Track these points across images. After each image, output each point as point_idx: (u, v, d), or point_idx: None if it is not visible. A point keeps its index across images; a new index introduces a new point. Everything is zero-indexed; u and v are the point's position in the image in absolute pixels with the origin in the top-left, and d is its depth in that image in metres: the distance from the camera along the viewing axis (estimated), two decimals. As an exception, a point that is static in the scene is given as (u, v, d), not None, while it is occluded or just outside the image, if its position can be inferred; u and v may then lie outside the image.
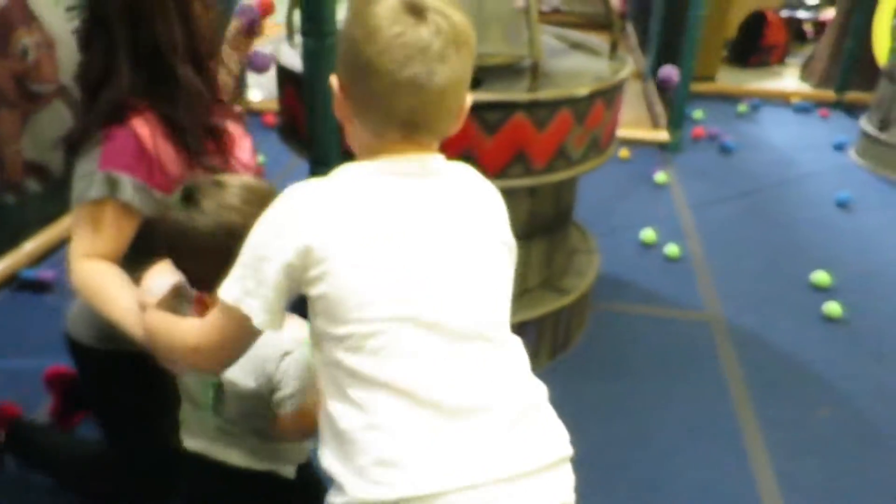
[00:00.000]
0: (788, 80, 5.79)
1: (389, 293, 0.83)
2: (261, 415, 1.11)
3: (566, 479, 0.91)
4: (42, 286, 2.57)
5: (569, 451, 0.91)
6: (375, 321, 0.83)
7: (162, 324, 1.02)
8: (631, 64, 2.19)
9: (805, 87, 5.48)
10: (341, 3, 1.79)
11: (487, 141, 1.86)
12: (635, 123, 4.48)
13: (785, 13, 6.19)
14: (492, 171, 1.89)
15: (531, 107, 1.85)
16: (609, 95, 2.03)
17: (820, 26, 6.04)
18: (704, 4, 3.81)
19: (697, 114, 4.63)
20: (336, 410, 0.85)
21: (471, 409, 0.84)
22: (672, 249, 2.96)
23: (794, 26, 6.45)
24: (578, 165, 2.03)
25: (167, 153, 1.22)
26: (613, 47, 2.25)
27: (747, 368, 2.34)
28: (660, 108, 4.53)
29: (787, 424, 2.11)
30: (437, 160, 0.92)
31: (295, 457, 1.22)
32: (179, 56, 1.22)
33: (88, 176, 1.20)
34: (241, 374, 1.08)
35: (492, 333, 0.90)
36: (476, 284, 0.90)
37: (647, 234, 3.07)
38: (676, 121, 4.09)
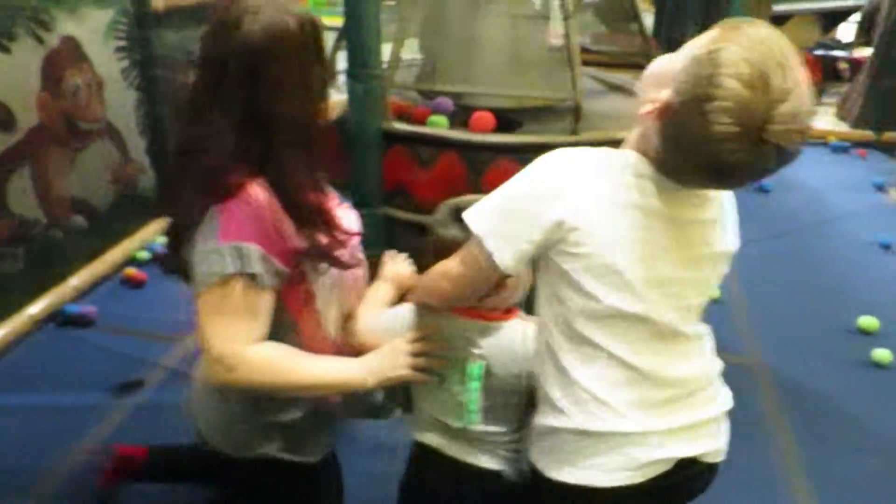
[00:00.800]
0: (825, 119, 5.74)
1: (632, 280, 0.98)
2: (510, 418, 1.25)
3: (726, 429, 1.15)
4: (85, 321, 2.61)
5: (729, 404, 1.15)
6: (610, 299, 0.98)
7: (425, 278, 1.20)
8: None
9: (842, 127, 5.43)
10: (384, 46, 1.82)
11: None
12: (669, 162, 4.48)
13: (819, 52, 6.17)
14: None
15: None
16: (650, 137, 2.03)
17: (855, 65, 6.00)
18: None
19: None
20: (561, 350, 1.04)
21: (671, 381, 1.04)
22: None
23: (829, 65, 6.42)
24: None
25: (284, 221, 1.12)
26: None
27: (792, 415, 2.28)
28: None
29: (835, 474, 2.05)
30: None
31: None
32: (292, 126, 1.12)
33: (210, 254, 1.07)
34: (504, 371, 1.21)
35: (692, 331, 1.08)
36: (699, 288, 1.07)
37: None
38: (712, 160, 4.07)
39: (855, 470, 2.07)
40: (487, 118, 1.90)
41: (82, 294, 2.77)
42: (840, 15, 7.16)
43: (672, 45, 3.84)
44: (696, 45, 0.91)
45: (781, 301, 2.96)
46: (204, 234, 1.08)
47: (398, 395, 1.69)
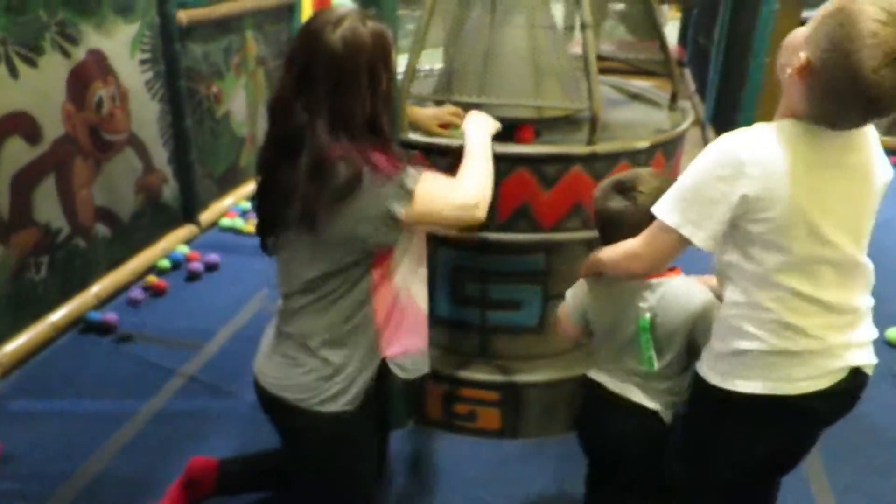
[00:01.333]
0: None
1: (819, 226, 1.17)
2: (672, 361, 1.47)
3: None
4: (107, 328, 2.65)
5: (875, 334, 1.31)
6: (802, 250, 1.18)
7: (609, 249, 1.43)
8: (691, 115, 2.15)
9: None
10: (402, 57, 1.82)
11: (545, 194, 1.85)
12: (694, 171, 4.41)
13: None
14: (548, 223, 1.88)
15: (589, 160, 1.83)
16: (669, 147, 2.00)
17: None
18: (765, 52, 3.75)
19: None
20: (755, 295, 1.23)
21: (851, 308, 1.25)
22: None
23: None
24: (637, 218, 1.99)
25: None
26: (673, 98, 2.23)
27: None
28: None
29: (864, 492, 1.99)
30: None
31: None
32: (364, 124, 1.36)
33: (389, 193, 1.35)
34: (669, 321, 1.43)
35: (865, 261, 1.25)
36: (869, 219, 1.24)
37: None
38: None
39: (884, 486, 2.01)
40: (528, 131, 1.93)
41: (104, 302, 2.81)
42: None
43: (698, 50, 3.87)
44: (821, 10, 1.09)
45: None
46: (373, 183, 1.32)
47: (411, 405, 1.73)
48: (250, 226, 3.50)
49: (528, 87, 1.99)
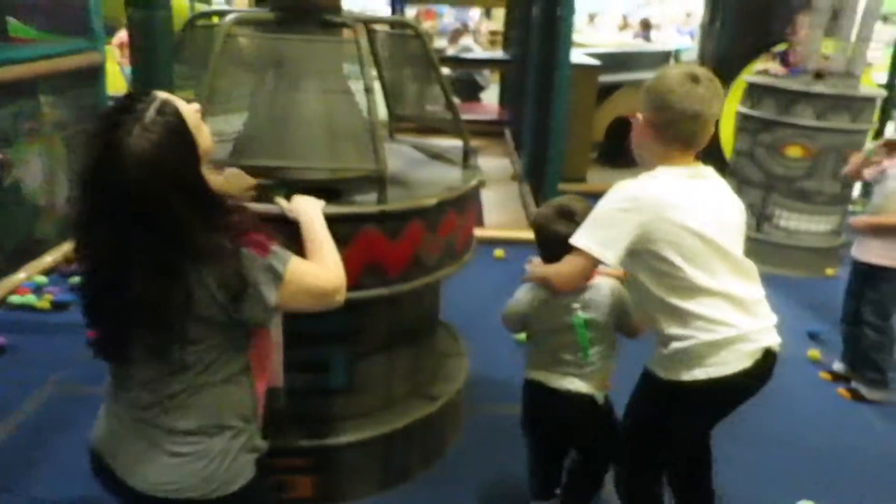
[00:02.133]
0: (654, 177, 6.23)
1: (707, 235, 1.54)
2: (608, 340, 1.87)
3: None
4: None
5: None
6: (695, 261, 1.55)
7: (550, 269, 1.74)
8: (481, 173, 2.28)
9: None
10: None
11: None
12: (513, 223, 4.66)
13: (645, 118, 6.71)
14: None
15: (381, 218, 1.88)
16: (460, 203, 2.10)
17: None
18: (565, 115, 4.07)
19: (570, 213, 4.86)
20: (673, 301, 1.58)
21: (753, 299, 1.61)
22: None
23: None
24: (435, 272, 2.06)
25: None
26: (465, 157, 2.35)
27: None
28: (535, 209, 4.74)
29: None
30: (705, 168, 1.65)
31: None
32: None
33: (264, 270, 1.27)
34: (600, 315, 1.83)
35: (748, 261, 1.62)
36: (740, 228, 1.65)
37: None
38: (548, 220, 4.27)
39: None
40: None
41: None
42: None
43: (514, 110, 4.08)
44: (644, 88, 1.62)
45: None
46: (248, 263, 1.25)
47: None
48: (45, 302, 3.24)
49: (323, 150, 2.03)
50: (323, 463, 2.07)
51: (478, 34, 13.56)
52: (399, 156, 2.46)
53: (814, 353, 3.16)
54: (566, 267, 1.65)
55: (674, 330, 1.59)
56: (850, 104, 3.80)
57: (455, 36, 8.88)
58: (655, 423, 1.72)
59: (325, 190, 2.09)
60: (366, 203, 1.94)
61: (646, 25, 12.25)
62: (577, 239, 1.60)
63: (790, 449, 2.52)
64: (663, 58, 8.02)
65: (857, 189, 3.79)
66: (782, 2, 4.98)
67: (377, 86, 2.48)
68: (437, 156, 2.53)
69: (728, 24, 5.08)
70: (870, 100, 3.90)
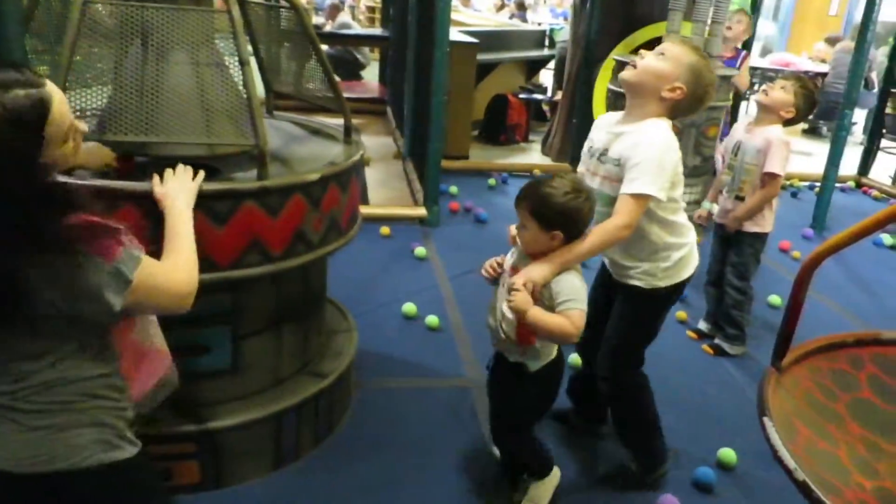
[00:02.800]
0: (533, 154, 6.42)
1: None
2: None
3: None
4: None
5: None
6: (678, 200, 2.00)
7: (598, 233, 1.87)
8: (363, 147, 2.27)
9: (546, 161, 6.11)
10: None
11: (218, 231, 1.81)
12: (398, 201, 4.68)
13: (524, 96, 6.90)
14: (226, 262, 1.84)
15: (261, 195, 1.84)
16: (343, 179, 2.09)
17: (555, 106, 6.83)
18: (443, 91, 4.11)
19: (453, 189, 4.94)
20: (671, 217, 2.00)
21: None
22: (432, 320, 3.07)
23: (534, 107, 7.22)
24: (319, 248, 2.04)
25: None
26: (347, 132, 2.33)
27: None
28: (419, 186, 4.78)
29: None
30: None
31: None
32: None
33: (111, 275, 1.20)
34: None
35: None
36: None
37: (409, 307, 3.16)
38: (432, 197, 4.32)
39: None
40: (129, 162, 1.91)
41: None
42: (540, 62, 8.11)
43: (396, 90, 4.10)
44: (681, 60, 1.93)
45: (497, 322, 3.20)
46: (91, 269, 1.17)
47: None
48: None
49: (197, 125, 1.95)
50: (209, 447, 2.02)
51: (356, 11, 13.37)
52: (279, 131, 2.41)
53: (681, 314, 3.40)
54: (628, 216, 1.86)
55: (672, 239, 2.01)
56: (707, 82, 4.06)
57: (332, 12, 8.72)
58: (651, 326, 2.16)
59: (203, 166, 2.03)
60: (245, 179, 1.89)
61: (521, 6, 12.53)
62: (645, 187, 1.84)
63: (661, 402, 2.71)
64: (539, 37, 8.24)
65: (718, 161, 4.05)
66: (646, -15, 5.24)
67: (255, 60, 2.42)
68: (317, 131, 2.50)
69: (597, 7, 5.29)
70: (725, 78, 4.19)
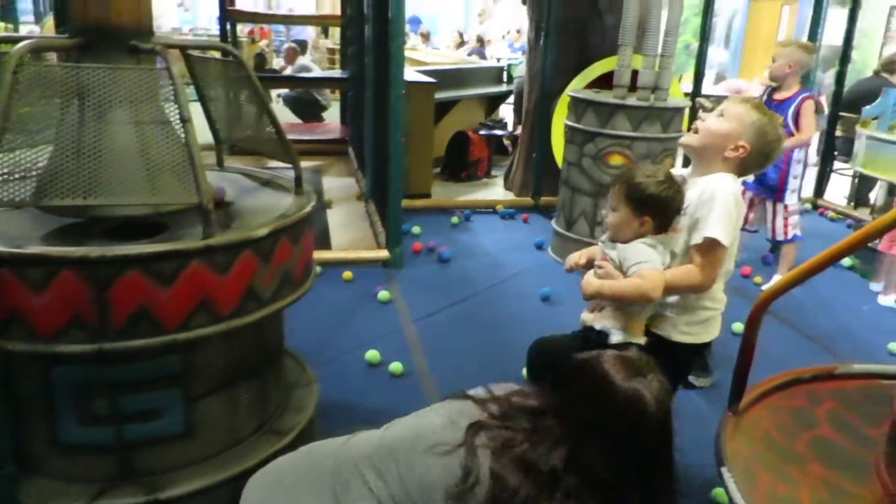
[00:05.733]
0: (495, 189, 6.45)
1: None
2: None
3: None
4: None
5: None
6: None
7: (682, 278, 1.92)
8: (314, 198, 2.24)
9: (509, 195, 6.13)
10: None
11: (164, 293, 1.76)
12: (361, 243, 4.63)
13: (483, 132, 6.95)
14: (173, 323, 1.78)
15: (207, 253, 1.79)
16: (294, 231, 2.05)
17: (516, 140, 6.89)
18: (401, 132, 4.11)
19: (416, 229, 4.92)
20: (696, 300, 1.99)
21: None
22: (396, 367, 3.02)
23: (495, 142, 7.28)
24: (272, 304, 1.99)
25: None
26: (298, 182, 2.30)
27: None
28: (381, 228, 4.75)
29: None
30: None
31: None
32: None
33: None
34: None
35: None
36: None
37: (372, 354, 3.10)
38: (395, 239, 4.29)
39: None
40: None
41: None
42: (500, 97, 8.20)
43: (356, 130, 4.07)
44: (749, 117, 2.00)
45: (462, 364, 3.16)
46: None
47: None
48: None
49: (140, 184, 1.90)
50: (164, 518, 1.93)
51: (317, 52, 13.46)
52: (229, 184, 2.37)
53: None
54: (713, 266, 1.91)
55: (705, 302, 1.98)
56: (660, 114, 4.13)
57: (291, 55, 8.74)
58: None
59: (150, 224, 1.98)
60: (192, 238, 1.84)
61: (480, 42, 12.73)
62: (718, 233, 1.87)
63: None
64: (497, 73, 8.36)
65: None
66: (597, 21, 5.35)
67: (203, 112, 2.40)
68: (268, 182, 2.46)
69: (551, 42, 5.37)
70: (678, 110, 4.27)
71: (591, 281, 1.98)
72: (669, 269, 1.94)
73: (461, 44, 13.34)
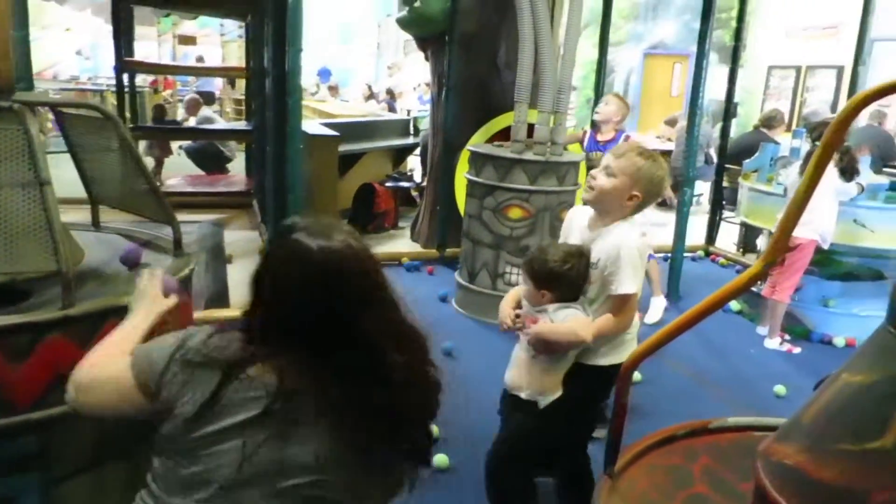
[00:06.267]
0: (402, 241, 6.44)
1: None
2: None
3: None
4: None
5: None
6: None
7: (604, 326, 2.16)
8: (193, 261, 2.15)
9: (416, 247, 6.14)
10: None
11: (17, 368, 1.62)
12: (261, 300, 4.48)
13: (389, 184, 6.97)
14: (28, 401, 1.65)
15: (66, 324, 1.67)
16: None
17: (423, 191, 6.93)
18: (300, 187, 4.04)
19: (318, 284, 4.82)
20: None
21: None
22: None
23: (402, 194, 7.30)
24: (142, 375, 1.87)
25: None
26: (177, 244, 2.20)
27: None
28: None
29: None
30: None
31: None
32: None
33: None
34: None
35: None
36: None
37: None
38: (294, 294, 4.18)
39: None
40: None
41: None
42: (407, 149, 8.28)
43: (260, 181, 3.94)
44: (634, 167, 2.15)
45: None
46: None
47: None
48: None
49: (-3, 250, 1.77)
50: None
51: (223, 103, 13.28)
52: (104, 246, 2.25)
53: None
54: (628, 314, 2.16)
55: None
56: (556, 168, 4.25)
57: (193, 107, 8.56)
58: (593, 402, 2.39)
59: (12, 291, 1.84)
60: (50, 307, 1.72)
61: (391, 94, 12.89)
62: (630, 287, 2.09)
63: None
64: (404, 125, 8.45)
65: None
66: (497, 78, 5.51)
67: (77, 170, 2.28)
68: (147, 243, 2.35)
69: (452, 97, 5.48)
70: (573, 164, 4.40)
71: (537, 328, 2.15)
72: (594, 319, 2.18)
73: (370, 96, 13.46)
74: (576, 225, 2.33)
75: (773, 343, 4.28)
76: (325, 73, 18.10)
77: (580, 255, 2.15)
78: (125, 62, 6.54)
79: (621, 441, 1.43)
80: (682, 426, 1.63)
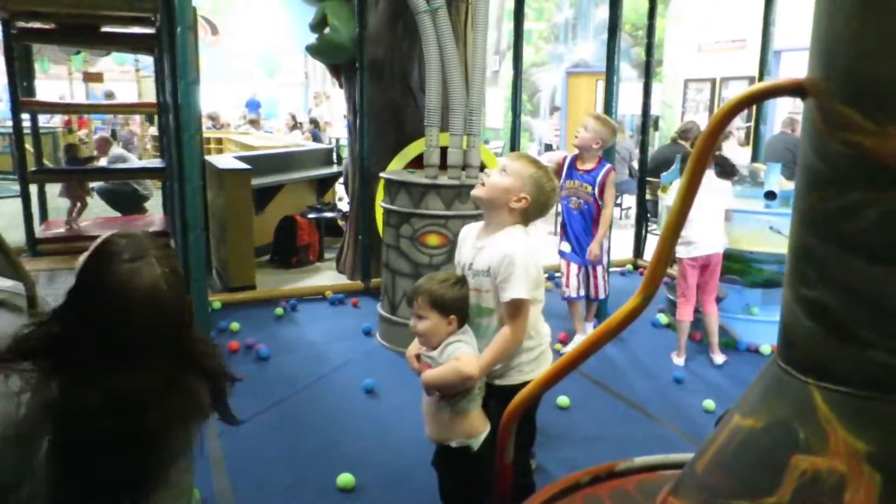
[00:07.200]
0: (328, 274, 6.23)
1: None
2: None
3: None
4: None
5: None
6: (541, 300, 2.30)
7: (500, 346, 2.15)
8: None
9: (342, 279, 5.93)
10: None
11: None
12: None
13: (311, 216, 6.76)
14: None
15: None
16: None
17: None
18: (200, 226, 3.80)
19: (234, 326, 4.58)
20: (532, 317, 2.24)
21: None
22: (195, 493, 2.65)
23: (326, 224, 7.08)
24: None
25: None
26: (31, 303, 1.97)
27: None
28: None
29: None
30: None
31: None
32: None
33: None
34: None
35: None
36: None
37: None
38: (203, 340, 3.92)
39: None
40: None
41: None
42: (331, 179, 8.08)
43: (174, 220, 3.49)
44: (527, 171, 2.18)
45: (270, 480, 2.85)
46: None
47: None
48: None
49: None
50: None
51: (141, 140, 12.84)
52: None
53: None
54: (521, 322, 2.13)
55: (532, 340, 2.24)
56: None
57: (103, 145, 8.18)
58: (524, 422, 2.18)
59: None
60: None
61: (315, 123, 12.69)
62: (521, 293, 2.08)
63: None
64: (326, 155, 8.26)
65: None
66: (412, 103, 5.40)
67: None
68: (1, 303, 2.10)
69: (367, 124, 5.34)
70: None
71: (423, 378, 2.11)
72: (489, 343, 2.15)
73: (294, 126, 13.23)
74: (466, 243, 2.33)
75: (679, 360, 4.22)
76: (253, 105, 17.79)
77: (462, 280, 2.19)
78: (23, 102, 6.20)
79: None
80: (588, 471, 1.49)
